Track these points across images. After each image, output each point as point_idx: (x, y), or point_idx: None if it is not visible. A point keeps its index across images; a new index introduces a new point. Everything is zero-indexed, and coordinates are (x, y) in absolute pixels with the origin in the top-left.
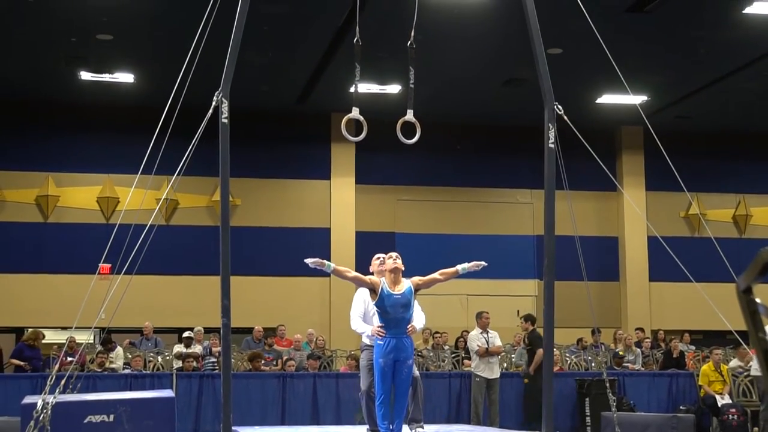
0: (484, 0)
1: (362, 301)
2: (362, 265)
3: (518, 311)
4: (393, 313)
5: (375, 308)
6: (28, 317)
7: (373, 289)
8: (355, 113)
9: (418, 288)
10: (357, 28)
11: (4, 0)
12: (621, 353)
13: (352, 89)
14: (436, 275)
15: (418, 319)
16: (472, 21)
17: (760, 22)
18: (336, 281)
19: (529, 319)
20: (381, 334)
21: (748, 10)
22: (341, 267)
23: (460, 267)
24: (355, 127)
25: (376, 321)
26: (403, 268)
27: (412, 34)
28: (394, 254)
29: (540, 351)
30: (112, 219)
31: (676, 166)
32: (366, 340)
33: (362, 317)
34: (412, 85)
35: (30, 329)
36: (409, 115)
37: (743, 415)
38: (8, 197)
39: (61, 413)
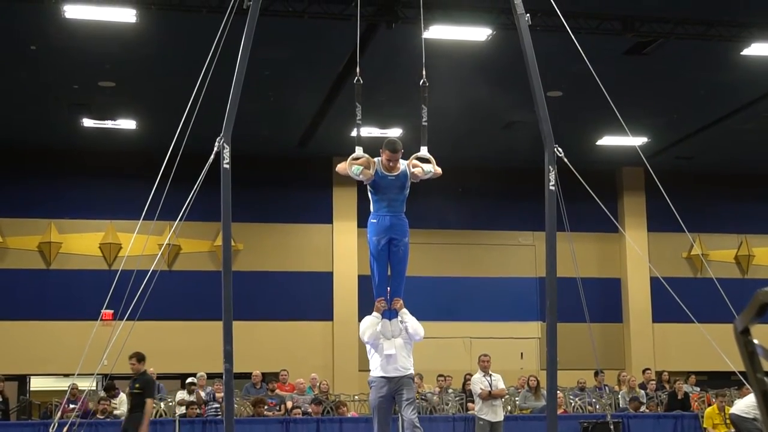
0: (484, 44)
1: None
2: (365, 310)
3: (522, 353)
4: (388, 193)
5: (370, 188)
6: (30, 365)
7: (368, 167)
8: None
9: (414, 176)
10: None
11: (7, 47)
12: (640, 398)
13: (353, 133)
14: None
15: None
16: (472, 65)
17: (759, 63)
18: (338, 325)
19: (142, 359)
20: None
21: (746, 52)
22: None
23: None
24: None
25: (380, 354)
26: (399, 167)
27: (424, 72)
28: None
29: (150, 401)
30: (115, 265)
31: (677, 207)
32: (372, 373)
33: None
34: (425, 123)
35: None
36: (423, 151)
37: None
38: (11, 244)
39: None
